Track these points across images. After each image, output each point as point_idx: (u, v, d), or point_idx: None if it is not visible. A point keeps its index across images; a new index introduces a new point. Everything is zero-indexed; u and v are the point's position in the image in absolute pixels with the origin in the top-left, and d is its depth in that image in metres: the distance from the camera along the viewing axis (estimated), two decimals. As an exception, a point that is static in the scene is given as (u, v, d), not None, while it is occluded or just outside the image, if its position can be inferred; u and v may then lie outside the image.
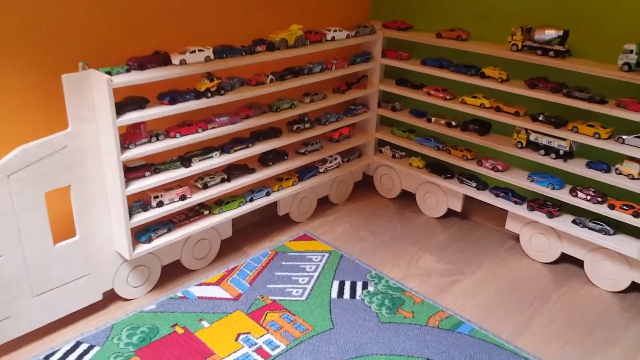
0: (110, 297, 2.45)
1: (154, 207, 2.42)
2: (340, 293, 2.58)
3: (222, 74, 2.52)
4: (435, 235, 3.08)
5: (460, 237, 3.07)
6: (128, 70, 2.19)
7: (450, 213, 3.22)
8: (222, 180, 2.67)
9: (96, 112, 2.14)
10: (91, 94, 2.11)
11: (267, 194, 2.87)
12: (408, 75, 3.20)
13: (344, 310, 2.47)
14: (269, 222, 3.15)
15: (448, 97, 2.94)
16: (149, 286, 2.57)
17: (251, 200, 2.80)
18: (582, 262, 2.70)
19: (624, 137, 2.39)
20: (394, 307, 2.48)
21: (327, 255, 2.87)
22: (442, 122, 3.02)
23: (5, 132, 2.17)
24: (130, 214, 2.33)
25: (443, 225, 3.19)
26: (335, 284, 2.65)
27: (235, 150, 2.64)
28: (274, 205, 3.03)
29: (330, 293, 2.58)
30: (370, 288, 2.61)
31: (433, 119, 3.06)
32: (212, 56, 2.41)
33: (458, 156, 3.01)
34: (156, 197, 2.42)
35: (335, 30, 2.87)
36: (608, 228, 2.55)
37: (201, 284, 2.62)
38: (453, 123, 2.98)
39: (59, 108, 2.16)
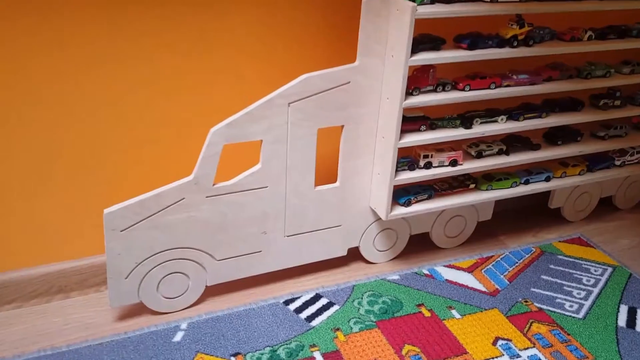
0: (352, 256, 2.23)
1: (421, 168, 2.09)
2: (631, 322, 1.98)
3: (535, 20, 2.04)
4: None
5: None
6: (432, 2, 1.85)
7: None
8: (500, 152, 2.22)
9: (388, 46, 1.86)
10: (387, 25, 1.83)
11: (547, 179, 2.34)
12: None
13: (637, 345, 1.87)
14: (533, 212, 2.62)
15: None
16: (393, 253, 2.29)
17: (527, 182, 2.31)
18: None
19: None
20: None
21: (610, 270, 2.26)
22: None
23: (289, 60, 2.04)
24: (396, 171, 2.04)
25: None
26: (623, 309, 2.05)
27: (525, 118, 2.16)
28: (546, 194, 2.49)
29: (617, 319, 1.99)
30: (679, 329, 1.95)
31: None
32: (528, -3, 1.94)
33: None
34: (426, 156, 2.08)
35: (691, -19, 2.15)
36: None
37: (450, 266, 2.25)
38: None
39: (340, 38, 1.95)
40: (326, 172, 2.12)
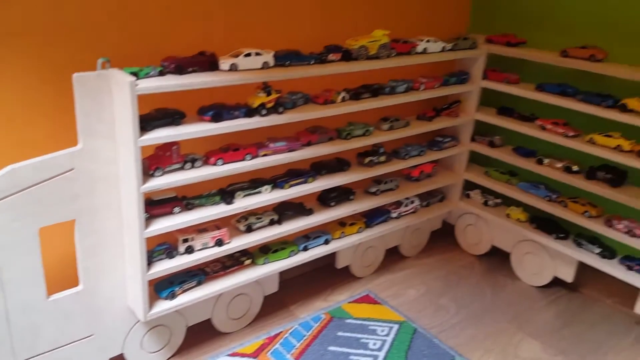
0: (119, 365, 1.89)
1: (182, 254, 1.85)
2: (416, 385, 1.93)
3: (283, 87, 1.95)
4: (538, 312, 2.38)
5: (571, 317, 2.35)
6: (162, 73, 1.65)
7: (555, 282, 2.51)
8: (272, 222, 2.08)
9: (115, 126, 1.61)
10: (110, 102, 1.59)
11: (326, 242, 2.27)
12: (515, 102, 2.53)
13: (421, 413, 1.81)
14: (323, 274, 2.53)
15: (570, 134, 2.26)
16: (170, 351, 2.00)
17: (305, 249, 2.21)
18: None
19: None
20: (492, 419, 1.80)
21: (396, 327, 2.23)
22: (559, 165, 2.34)
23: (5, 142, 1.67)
24: (150, 262, 1.78)
25: (547, 297, 2.48)
26: (409, 370, 2.00)
27: (290, 185, 2.05)
28: (331, 255, 2.42)
29: (402, 384, 1.93)
30: (457, 384, 1.94)
31: (546, 161, 2.39)
32: (271, 62, 1.85)
33: (578, 211, 2.32)
34: (185, 240, 1.85)
35: (428, 41, 2.26)
36: None
37: (234, 354, 2.03)
38: (574, 168, 2.30)
39: (71, 119, 1.65)
40: (70, 274, 1.76)
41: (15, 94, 1.66)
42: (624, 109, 2.08)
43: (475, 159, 2.76)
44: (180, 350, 2.03)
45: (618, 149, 2.13)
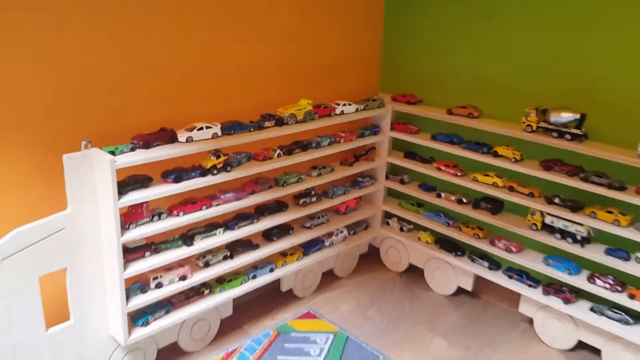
0: (102, 384, 2.30)
1: (153, 289, 2.30)
2: (347, 382, 2.43)
3: (229, 150, 2.45)
4: (445, 316, 2.95)
5: (472, 319, 2.93)
6: (133, 149, 2.12)
7: (460, 290, 3.10)
8: (225, 258, 2.56)
9: (97, 192, 2.05)
10: (92, 174, 2.03)
11: (271, 271, 2.76)
12: (417, 148, 3.15)
13: (351, 403, 2.31)
14: (271, 297, 3.01)
15: (459, 174, 2.87)
16: (144, 371, 2.42)
17: (254, 277, 2.69)
18: (600, 351, 2.56)
19: (644, 225, 2.31)
20: (404, 401, 2.33)
21: (332, 336, 2.73)
22: (453, 198, 2.94)
23: (6, 209, 2.08)
24: (128, 297, 2.21)
25: (453, 304, 3.06)
26: (341, 370, 2.50)
27: (239, 227, 2.54)
28: (276, 279, 2.91)
29: (336, 382, 2.43)
30: (379, 377, 2.46)
31: (443, 195, 2.99)
32: (219, 133, 2.34)
33: (469, 234, 2.92)
34: (155, 278, 2.30)
35: (344, 104, 2.83)
36: (628, 318, 2.43)
37: (198, 369, 2.47)
38: (464, 200, 2.90)
39: (58, 185, 2.08)
40: (63, 310, 2.16)
41: (14, 169, 2.08)
42: (496, 154, 2.71)
43: (391, 193, 3.35)
44: (153, 369, 2.45)
45: (494, 185, 2.75)
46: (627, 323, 2.43)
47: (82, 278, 2.11)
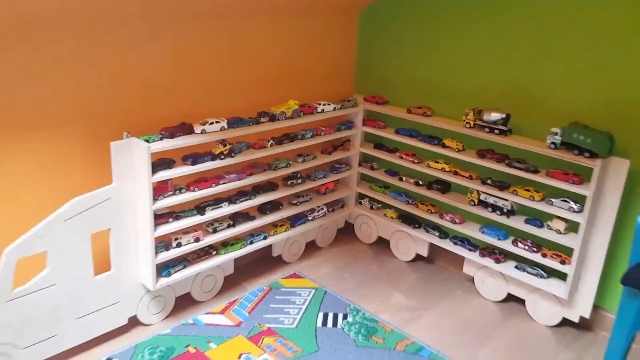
0: (133, 322, 2.94)
1: (174, 248, 2.95)
2: (324, 322, 3.11)
3: (233, 140, 3.12)
4: (405, 277, 3.64)
5: (427, 279, 3.63)
6: (161, 138, 2.76)
7: (418, 257, 3.80)
8: (229, 226, 3.22)
9: (135, 171, 2.70)
10: (131, 157, 2.67)
11: (265, 238, 3.42)
12: (384, 141, 3.84)
13: (327, 336, 2.99)
14: (264, 261, 3.68)
15: (416, 161, 3.56)
16: (165, 313, 3.07)
17: (251, 242, 3.35)
18: (524, 300, 3.27)
19: (552, 200, 3.01)
20: (369, 335, 3.02)
21: (313, 291, 3.41)
22: (412, 181, 3.63)
23: (62, 185, 2.71)
24: (156, 253, 2.86)
25: (412, 268, 3.76)
26: (320, 315, 3.18)
27: (240, 201, 3.20)
28: (269, 247, 3.58)
29: (316, 322, 3.10)
30: (349, 319, 3.14)
31: (404, 178, 3.68)
32: (226, 126, 3.00)
33: (424, 210, 3.61)
34: (176, 239, 2.95)
35: (324, 104, 3.50)
36: (543, 273, 3.14)
37: (208, 313, 3.13)
38: (420, 182, 3.60)
39: (101, 166, 2.72)
40: (106, 262, 2.80)
41: (70, 154, 2.72)
42: (444, 145, 3.41)
43: (363, 178, 4.04)
44: (172, 313, 3.10)
45: (443, 170, 3.45)
46: (542, 277, 3.15)
47: (121, 237, 2.76)
